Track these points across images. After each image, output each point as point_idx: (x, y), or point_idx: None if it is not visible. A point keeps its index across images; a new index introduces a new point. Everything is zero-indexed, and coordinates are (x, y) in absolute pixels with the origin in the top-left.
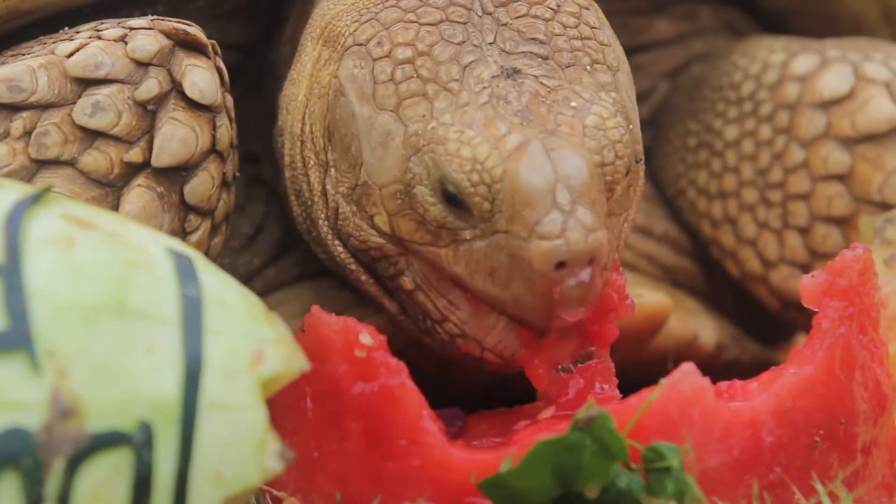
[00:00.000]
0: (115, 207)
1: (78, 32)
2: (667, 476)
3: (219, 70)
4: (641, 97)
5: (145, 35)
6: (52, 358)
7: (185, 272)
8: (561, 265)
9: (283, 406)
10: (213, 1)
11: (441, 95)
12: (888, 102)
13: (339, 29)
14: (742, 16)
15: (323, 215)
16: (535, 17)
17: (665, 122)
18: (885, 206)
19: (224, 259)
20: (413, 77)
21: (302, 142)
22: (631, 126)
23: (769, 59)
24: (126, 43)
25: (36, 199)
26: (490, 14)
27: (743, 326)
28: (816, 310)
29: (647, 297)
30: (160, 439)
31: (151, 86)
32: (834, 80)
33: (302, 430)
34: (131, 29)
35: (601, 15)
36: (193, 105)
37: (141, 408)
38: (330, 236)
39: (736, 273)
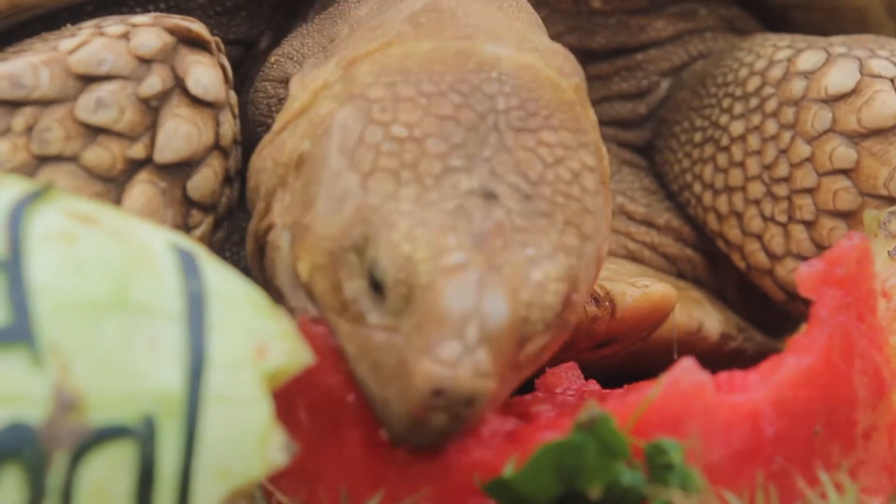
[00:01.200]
0: (118, 203)
1: (80, 29)
2: (669, 472)
3: (222, 67)
4: (640, 95)
5: (148, 32)
6: (55, 352)
7: (188, 267)
8: (438, 393)
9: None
10: None
11: (412, 185)
12: (894, 98)
13: (361, 73)
14: (743, 13)
15: (258, 217)
16: (538, 156)
17: (670, 117)
18: (890, 201)
19: (225, 253)
20: (395, 154)
21: (272, 142)
22: (574, 296)
23: (775, 55)
24: (129, 40)
25: (38, 195)
26: (498, 132)
27: (747, 316)
28: (814, 298)
29: (651, 287)
30: (164, 433)
31: (154, 82)
32: (840, 76)
33: (297, 440)
34: (134, 26)
35: (605, 181)
36: (196, 101)
37: (144, 401)
38: (251, 231)
39: (742, 266)
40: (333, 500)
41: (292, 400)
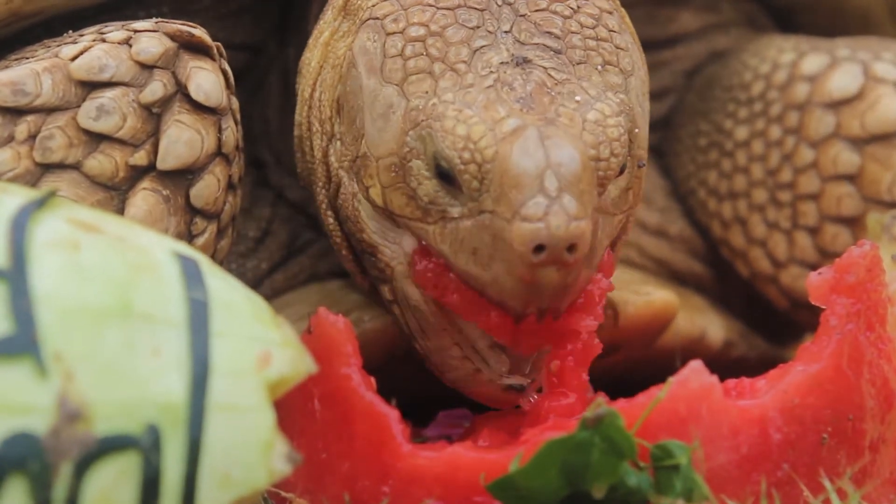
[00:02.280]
0: (121, 211)
1: (82, 35)
2: (675, 474)
3: (224, 72)
4: (661, 94)
5: (150, 37)
6: (59, 362)
7: (191, 275)
8: (540, 249)
9: (290, 408)
10: (219, 0)
11: (447, 75)
12: None
13: (359, 2)
14: (760, 9)
15: (321, 183)
16: (554, 12)
17: (676, 121)
18: (894, 206)
19: (231, 264)
20: (422, 55)
21: (310, 106)
22: (636, 130)
23: (779, 58)
24: (130, 46)
25: (41, 204)
26: (509, 4)
27: (751, 324)
28: (824, 306)
29: (654, 294)
30: (168, 442)
31: (156, 88)
32: (843, 80)
33: (309, 431)
34: (135, 31)
35: (627, 20)
36: (198, 107)
37: (148, 410)
38: (324, 205)
39: (746, 273)
40: (339, 491)
41: (307, 390)
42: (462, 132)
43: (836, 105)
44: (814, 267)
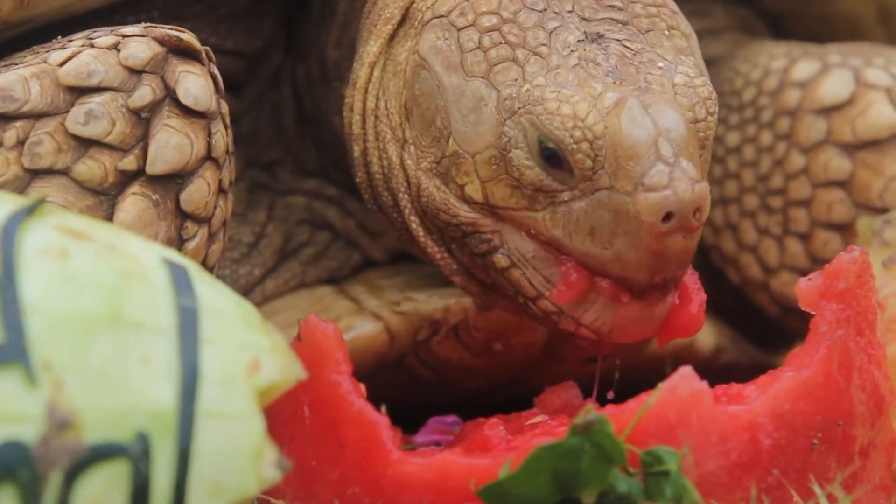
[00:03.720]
0: (110, 216)
1: (70, 41)
2: (665, 480)
3: (213, 76)
4: None
5: (138, 42)
6: (48, 370)
7: (181, 282)
8: (668, 217)
9: (280, 415)
10: (208, 6)
11: (532, 59)
12: (889, 108)
13: (416, 6)
14: (753, 15)
15: (402, 189)
16: None
17: None
18: (885, 212)
19: (225, 270)
20: (501, 43)
21: (376, 116)
22: (714, 91)
23: (770, 65)
24: (119, 51)
25: (30, 211)
26: None
27: (742, 331)
28: (813, 312)
29: None
30: (157, 450)
31: (145, 93)
32: (835, 86)
33: (299, 438)
34: (124, 36)
35: None
36: (188, 112)
37: (138, 418)
38: (407, 210)
39: (736, 279)
40: (329, 498)
41: (297, 396)
42: (567, 111)
43: (828, 111)
44: (805, 273)
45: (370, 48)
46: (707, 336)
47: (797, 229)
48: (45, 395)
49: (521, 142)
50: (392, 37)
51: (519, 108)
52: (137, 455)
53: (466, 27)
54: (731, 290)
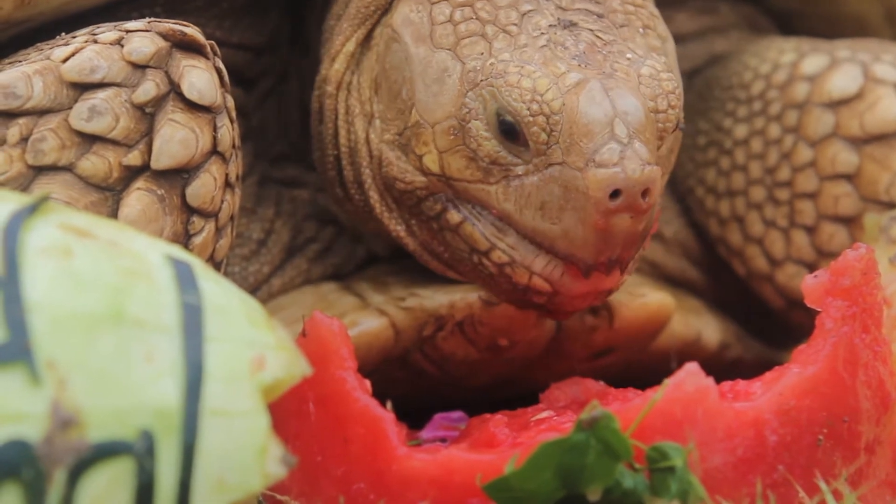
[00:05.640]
0: (115, 212)
1: (74, 37)
2: (671, 476)
3: (218, 70)
4: None
5: (142, 37)
6: (52, 369)
7: (185, 279)
8: (616, 194)
9: (285, 411)
10: (211, 1)
11: (500, 36)
12: None
13: None
14: (760, 12)
15: (366, 162)
16: None
17: None
18: (892, 207)
19: (234, 267)
20: (472, 18)
21: (348, 91)
22: (679, 90)
23: (780, 59)
24: (122, 46)
25: (33, 210)
26: None
27: (747, 327)
28: (819, 309)
29: (649, 296)
30: (162, 447)
31: (149, 88)
32: (843, 81)
33: (304, 434)
34: (127, 32)
35: None
36: (192, 106)
37: (142, 416)
38: (368, 183)
39: (742, 272)
40: (334, 493)
41: (302, 393)
42: (527, 85)
43: (836, 105)
44: (810, 266)
45: (344, 25)
46: (713, 332)
47: (803, 222)
48: (48, 394)
49: (480, 113)
50: (371, 16)
51: (481, 81)
52: (142, 453)
53: (440, 1)
54: (737, 286)
